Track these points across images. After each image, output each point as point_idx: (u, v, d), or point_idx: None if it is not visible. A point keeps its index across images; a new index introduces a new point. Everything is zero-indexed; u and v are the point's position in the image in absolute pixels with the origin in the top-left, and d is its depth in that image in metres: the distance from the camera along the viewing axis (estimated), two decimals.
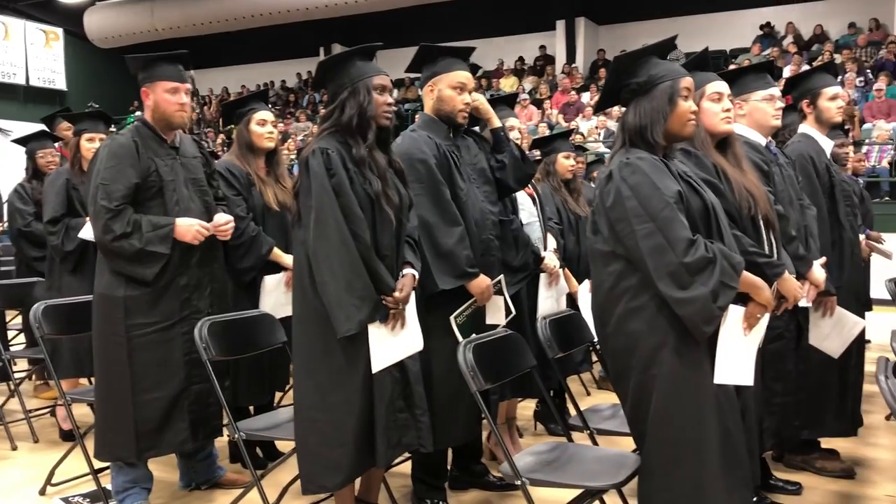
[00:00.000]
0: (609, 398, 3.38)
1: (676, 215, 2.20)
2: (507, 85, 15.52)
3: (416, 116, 3.23)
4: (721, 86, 2.77)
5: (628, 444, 2.50)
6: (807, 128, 3.56)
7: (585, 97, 14.10)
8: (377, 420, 2.57)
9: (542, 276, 3.67)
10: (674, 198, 2.22)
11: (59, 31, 19.05)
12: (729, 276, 2.20)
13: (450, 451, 3.30)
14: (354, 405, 2.55)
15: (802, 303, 2.98)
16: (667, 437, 2.25)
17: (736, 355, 2.30)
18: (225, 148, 13.05)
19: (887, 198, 10.61)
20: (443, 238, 2.94)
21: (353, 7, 16.39)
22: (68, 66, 19.11)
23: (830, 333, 3.30)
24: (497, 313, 3.14)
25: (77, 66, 19.24)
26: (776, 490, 3.32)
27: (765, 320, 2.38)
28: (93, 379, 3.36)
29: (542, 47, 16.57)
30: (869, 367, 3.22)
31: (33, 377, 5.21)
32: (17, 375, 4.65)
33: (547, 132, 11.12)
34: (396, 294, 2.56)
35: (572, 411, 3.01)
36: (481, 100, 3.23)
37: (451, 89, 3.07)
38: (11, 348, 5.14)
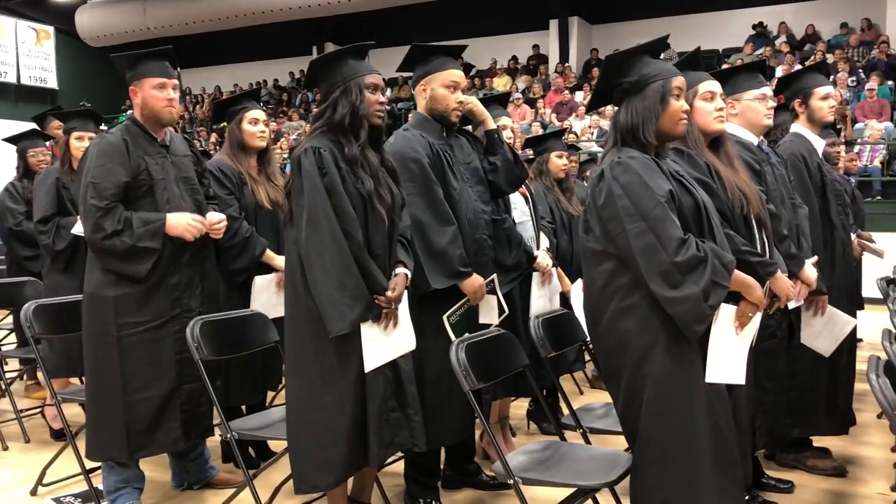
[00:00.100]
0: (602, 397, 3.38)
1: (668, 214, 2.20)
2: (501, 84, 15.53)
3: (409, 115, 3.23)
4: (714, 85, 2.77)
5: (621, 442, 2.50)
6: (799, 127, 3.57)
7: (579, 96, 14.11)
8: (370, 419, 2.57)
9: (535, 276, 3.67)
10: (665, 197, 2.22)
11: (51, 29, 18.97)
12: (720, 275, 2.21)
13: (443, 451, 3.30)
14: (347, 405, 2.55)
15: (792, 304, 2.99)
16: (658, 435, 2.25)
17: (727, 354, 2.30)
18: (217, 147, 13.01)
19: (879, 197, 10.67)
20: (435, 237, 2.94)
21: (346, 6, 16.37)
22: (59, 65, 19.03)
23: (822, 332, 3.32)
24: (490, 313, 3.14)
25: (68, 65, 19.17)
26: (768, 488, 3.33)
27: (757, 319, 2.39)
28: (84, 378, 3.35)
29: (536, 46, 16.58)
30: (861, 365, 3.23)
31: (24, 377, 5.18)
32: (8, 375, 4.64)
33: (540, 131, 11.13)
34: (389, 293, 2.56)
35: (565, 410, 3.02)
36: (475, 102, 3.23)
37: (445, 88, 3.07)
38: (2, 348, 5.12)
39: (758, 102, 3.09)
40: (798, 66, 11.26)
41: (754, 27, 14.49)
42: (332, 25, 17.70)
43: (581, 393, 5.10)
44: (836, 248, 3.52)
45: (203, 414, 3.12)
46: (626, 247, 2.24)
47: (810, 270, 3.05)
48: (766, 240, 2.77)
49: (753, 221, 2.72)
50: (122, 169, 2.93)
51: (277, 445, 3.21)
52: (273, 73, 19.15)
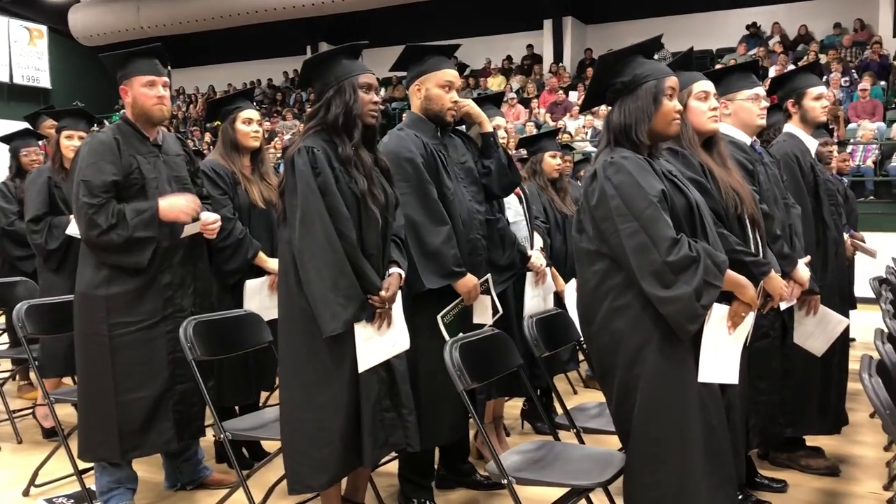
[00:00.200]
0: (596, 397, 3.38)
1: (660, 214, 2.21)
2: (495, 84, 15.53)
3: (404, 115, 3.23)
4: (707, 85, 2.78)
5: (615, 442, 2.51)
6: (792, 127, 3.58)
7: (573, 96, 14.13)
8: (364, 419, 2.57)
9: (529, 275, 3.67)
10: (657, 197, 2.23)
11: (44, 28, 18.92)
12: (713, 274, 2.21)
13: (437, 450, 3.30)
14: (341, 405, 2.54)
15: (784, 304, 3.00)
16: (651, 435, 2.25)
17: (720, 354, 2.31)
18: (210, 147, 12.99)
19: (872, 197, 10.70)
20: (429, 237, 2.94)
21: (340, 6, 16.36)
22: (52, 65, 18.98)
23: (814, 332, 3.32)
24: (484, 313, 3.15)
25: (61, 64, 19.11)
26: (762, 487, 3.34)
27: (750, 319, 2.39)
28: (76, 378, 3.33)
29: (530, 46, 16.60)
30: (853, 365, 3.24)
31: (17, 377, 5.16)
32: (0, 375, 4.61)
33: (534, 131, 11.14)
34: (382, 293, 2.56)
35: (559, 410, 3.02)
36: (471, 104, 3.23)
37: (439, 88, 3.07)
38: None
39: (751, 102, 3.09)
40: (791, 67, 11.29)
41: (748, 27, 14.53)
42: (326, 25, 17.68)
43: (575, 392, 5.10)
44: (828, 247, 3.53)
45: (196, 414, 3.11)
46: (618, 246, 2.24)
47: (803, 270, 3.06)
48: (759, 239, 2.77)
49: (747, 221, 2.72)
50: (112, 167, 2.91)
51: (271, 446, 3.20)
52: (267, 72, 19.12)
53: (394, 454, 2.95)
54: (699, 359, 2.29)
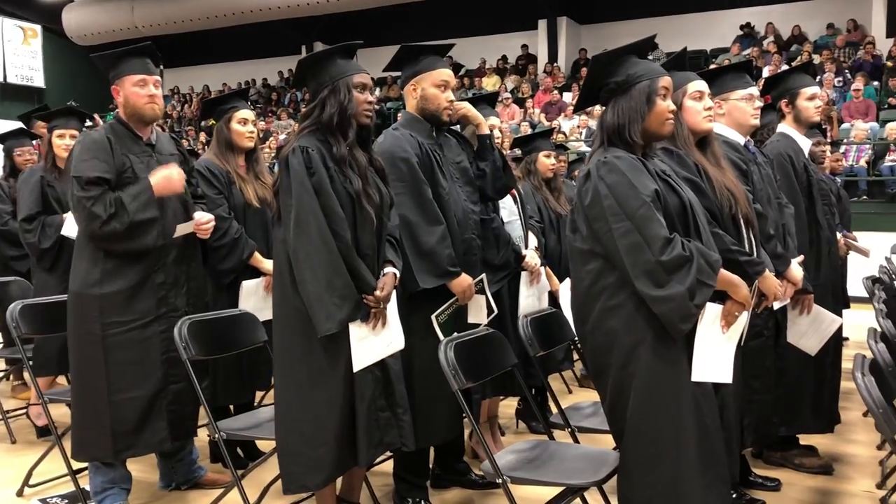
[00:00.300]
0: (590, 396, 3.39)
1: (653, 214, 2.21)
2: (490, 84, 15.55)
3: (399, 115, 3.22)
4: (702, 85, 2.79)
5: (609, 441, 2.51)
6: (785, 127, 3.59)
7: (567, 96, 14.14)
8: (359, 419, 2.57)
9: (524, 275, 3.68)
10: (651, 196, 2.23)
11: (38, 28, 18.85)
12: (706, 274, 2.22)
13: (432, 450, 3.30)
14: (336, 404, 2.54)
15: (777, 304, 3.01)
16: (645, 434, 2.26)
17: (713, 353, 2.32)
18: (205, 146, 12.97)
19: (865, 197, 10.74)
20: (424, 237, 2.94)
21: (336, 5, 16.34)
22: (46, 64, 18.91)
23: (808, 331, 3.34)
24: (479, 312, 3.15)
25: (55, 64, 19.04)
26: (755, 486, 3.35)
27: (743, 318, 2.40)
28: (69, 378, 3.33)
29: (525, 46, 16.61)
30: (846, 364, 3.25)
31: (11, 377, 5.15)
32: None
33: (529, 131, 11.15)
34: (377, 293, 2.56)
35: (554, 409, 3.02)
36: (468, 107, 3.23)
37: (435, 87, 3.07)
38: None
39: (745, 102, 3.10)
40: (785, 67, 11.33)
41: (742, 27, 14.57)
42: (322, 25, 17.66)
43: (570, 392, 5.11)
44: (822, 247, 3.55)
45: (189, 414, 3.10)
46: (612, 246, 2.25)
47: (796, 270, 3.07)
48: (753, 239, 2.78)
49: (741, 221, 2.73)
50: (105, 165, 2.90)
51: (266, 445, 3.20)
52: (262, 72, 19.10)
53: (389, 454, 2.95)
54: (692, 358, 2.30)
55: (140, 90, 2.97)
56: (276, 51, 18.47)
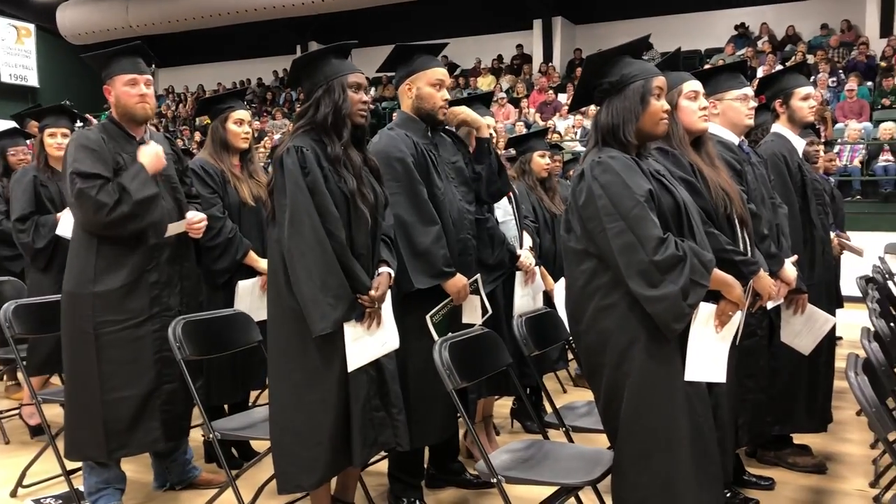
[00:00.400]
0: (585, 395, 3.39)
1: (647, 214, 2.22)
2: (485, 83, 15.54)
3: (394, 115, 3.22)
4: (697, 85, 2.80)
5: (604, 441, 2.52)
6: (779, 127, 3.60)
7: (562, 96, 14.15)
8: (353, 419, 2.57)
9: (518, 275, 3.68)
10: (644, 196, 2.24)
11: (31, 27, 18.79)
12: (699, 273, 2.22)
13: (426, 450, 3.30)
14: (330, 404, 2.54)
15: (771, 303, 3.01)
16: (638, 433, 2.27)
17: (707, 353, 2.32)
18: (199, 146, 12.94)
19: (859, 197, 10.77)
20: (419, 237, 2.94)
21: (331, 5, 16.33)
22: (40, 63, 18.86)
23: (801, 331, 3.35)
24: (473, 313, 3.15)
25: (50, 63, 18.99)
26: (749, 485, 3.36)
27: (737, 318, 2.40)
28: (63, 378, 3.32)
29: (520, 46, 16.62)
30: (840, 363, 3.26)
31: (4, 378, 5.13)
32: None
33: (524, 131, 11.15)
34: (372, 293, 2.56)
35: (548, 409, 3.03)
36: (467, 112, 3.23)
37: (430, 86, 3.07)
38: None
39: (739, 102, 3.11)
40: (779, 67, 11.35)
41: (736, 28, 14.60)
42: (316, 24, 17.65)
43: (564, 391, 5.12)
44: (815, 247, 3.56)
45: (183, 414, 3.09)
46: (605, 246, 2.25)
47: (790, 269, 3.08)
48: (747, 239, 2.79)
49: (736, 221, 2.74)
50: (101, 163, 2.90)
51: (260, 445, 3.20)
52: (257, 71, 19.07)
53: (383, 453, 2.95)
54: (686, 358, 2.30)
55: (131, 90, 2.97)
56: (270, 50, 18.45)
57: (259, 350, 3.18)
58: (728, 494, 3.10)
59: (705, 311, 2.31)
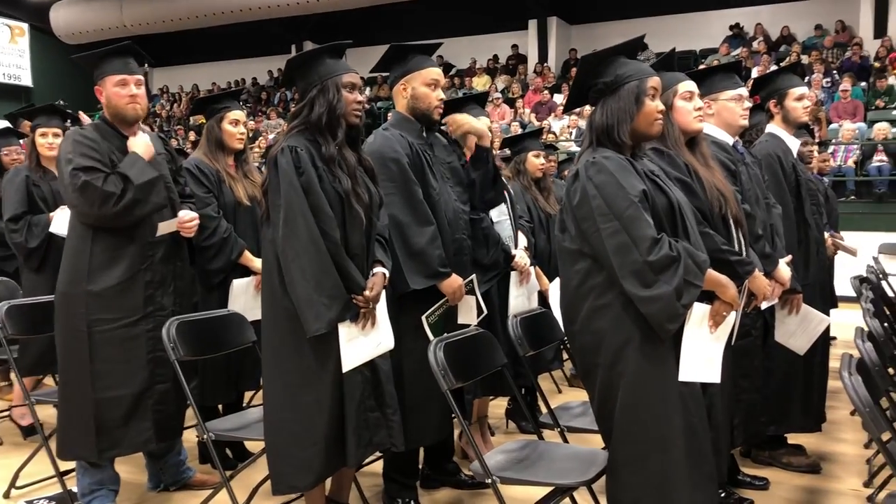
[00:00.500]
0: (580, 396, 3.40)
1: (641, 214, 2.22)
2: (480, 84, 15.55)
3: (389, 115, 3.20)
4: (692, 85, 2.80)
5: (598, 441, 2.52)
6: (774, 127, 3.60)
7: (557, 96, 14.16)
8: (348, 419, 2.56)
9: (513, 275, 3.68)
10: (638, 197, 2.24)
11: (25, 26, 18.74)
12: (693, 274, 2.22)
13: (421, 450, 3.30)
14: (325, 405, 2.54)
15: (765, 304, 3.02)
16: (632, 433, 2.27)
17: (701, 353, 2.32)
18: (194, 146, 12.91)
19: (853, 197, 10.80)
20: (414, 238, 2.94)
21: (326, 4, 16.31)
22: (34, 63, 18.80)
23: (796, 331, 3.35)
24: (469, 313, 3.15)
25: (43, 63, 18.93)
26: (744, 485, 3.37)
27: (732, 318, 2.41)
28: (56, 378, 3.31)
29: (515, 46, 16.62)
30: (834, 363, 3.27)
31: None
32: None
33: (519, 131, 11.16)
34: (367, 293, 2.55)
35: (543, 409, 3.02)
36: (469, 122, 3.23)
37: (426, 86, 3.06)
38: None
39: (734, 103, 3.11)
40: (774, 67, 11.38)
41: (731, 28, 14.63)
42: (311, 24, 17.63)
43: (559, 391, 5.12)
44: (810, 247, 3.57)
45: (175, 414, 3.08)
46: (599, 246, 2.25)
47: (784, 270, 3.09)
48: (742, 239, 2.80)
49: (731, 221, 2.74)
50: (97, 161, 2.89)
51: (255, 446, 3.19)
52: (252, 71, 19.04)
53: (378, 454, 2.94)
54: (680, 358, 2.31)
55: (121, 90, 2.96)
56: (265, 50, 18.42)
57: (253, 350, 3.17)
58: (722, 494, 3.11)
59: (699, 312, 2.31)
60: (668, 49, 3.08)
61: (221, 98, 3.73)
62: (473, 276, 3.15)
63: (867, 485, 3.47)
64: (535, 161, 4.37)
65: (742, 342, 3.12)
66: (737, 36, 14.53)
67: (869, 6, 13.47)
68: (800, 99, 3.53)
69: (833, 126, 11.45)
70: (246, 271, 3.53)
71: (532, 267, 3.85)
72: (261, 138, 14.58)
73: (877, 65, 12.52)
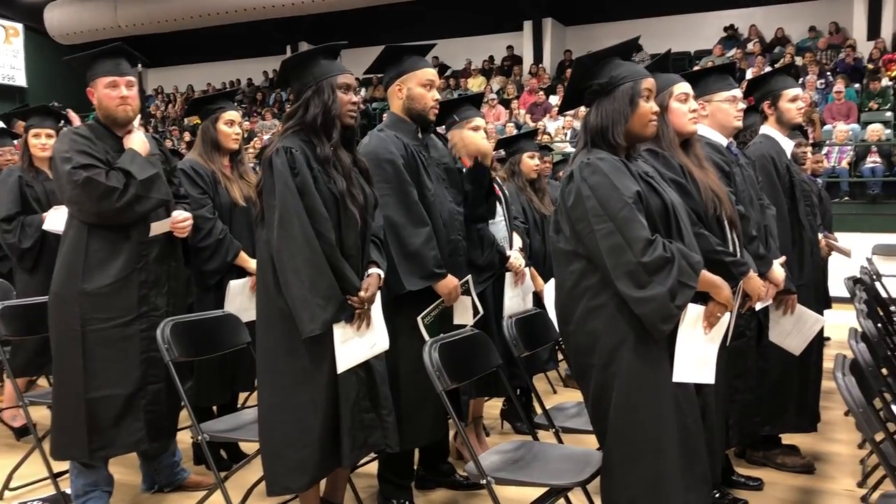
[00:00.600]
0: (575, 396, 3.40)
1: (635, 215, 2.22)
2: (475, 84, 15.54)
3: (384, 116, 3.22)
4: (687, 87, 2.81)
5: (593, 442, 2.52)
6: (768, 129, 3.61)
7: (553, 98, 14.17)
8: (342, 420, 2.56)
9: (508, 276, 3.68)
10: (632, 198, 2.24)
11: (19, 26, 18.67)
12: (687, 275, 2.23)
13: (416, 451, 3.30)
14: (319, 406, 2.53)
15: (759, 305, 3.03)
16: (626, 434, 2.27)
17: (695, 354, 2.32)
18: (189, 146, 12.88)
19: (847, 198, 10.83)
20: (410, 239, 2.94)
21: (321, 5, 16.30)
22: (28, 63, 18.72)
23: (791, 331, 3.36)
24: (465, 314, 3.15)
25: (38, 63, 18.85)
26: (738, 486, 3.37)
27: (726, 319, 2.41)
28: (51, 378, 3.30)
29: (510, 47, 16.63)
30: (828, 363, 3.28)
31: None
32: None
33: (515, 132, 11.16)
34: (362, 294, 2.55)
35: (538, 410, 3.03)
36: (477, 141, 3.23)
37: (421, 87, 3.07)
38: None
39: (728, 104, 3.12)
40: (768, 69, 11.40)
41: (725, 30, 14.66)
42: (307, 25, 17.61)
43: (554, 392, 5.12)
44: (804, 247, 3.57)
45: (167, 415, 3.07)
46: (594, 247, 2.26)
47: (778, 270, 3.10)
48: (736, 240, 2.80)
49: (726, 222, 2.75)
50: (96, 155, 2.89)
51: (249, 447, 3.18)
52: (247, 72, 19.00)
53: (373, 455, 2.94)
54: (674, 358, 2.31)
55: (111, 92, 2.95)
56: (260, 51, 18.38)
57: (248, 351, 3.17)
58: (717, 495, 3.11)
59: (694, 313, 2.31)
60: (662, 50, 3.09)
61: (216, 98, 3.72)
62: (469, 277, 3.15)
63: (861, 485, 3.48)
64: (530, 162, 4.37)
65: (736, 343, 3.13)
66: (731, 37, 14.57)
67: (862, 8, 13.52)
68: (794, 100, 3.54)
69: (827, 127, 11.48)
70: (242, 272, 3.53)
71: (527, 268, 3.86)
72: (255, 139, 14.55)
73: (870, 66, 12.56)
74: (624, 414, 2.26)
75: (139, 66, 3.04)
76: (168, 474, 3.38)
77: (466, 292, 3.14)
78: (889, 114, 11.70)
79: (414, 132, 3.11)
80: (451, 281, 3.01)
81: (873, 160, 10.88)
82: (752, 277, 2.75)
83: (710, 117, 3.13)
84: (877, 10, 13.36)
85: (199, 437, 2.80)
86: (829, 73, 12.60)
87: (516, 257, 3.71)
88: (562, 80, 14.71)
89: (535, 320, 3.14)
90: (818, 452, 3.90)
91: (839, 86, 11.83)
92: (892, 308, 4.76)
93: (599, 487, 2.37)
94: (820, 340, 3.62)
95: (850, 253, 5.30)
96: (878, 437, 2.27)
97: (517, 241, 3.88)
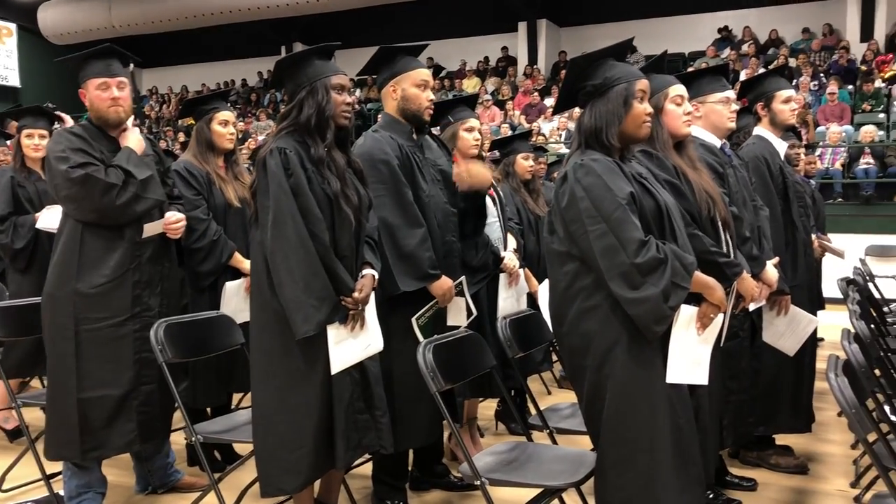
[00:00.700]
0: (569, 397, 3.40)
1: (628, 216, 2.23)
2: (470, 85, 15.55)
3: (379, 116, 3.21)
4: (682, 89, 2.82)
5: (587, 442, 2.52)
6: (761, 130, 3.62)
7: (547, 99, 14.18)
8: (336, 421, 2.56)
9: (503, 277, 3.68)
10: (626, 199, 2.25)
11: (13, 26, 18.60)
12: (680, 276, 2.23)
13: (410, 452, 3.30)
14: (313, 407, 2.53)
15: (752, 305, 3.04)
16: (620, 435, 2.27)
17: (688, 355, 2.33)
18: (183, 147, 12.84)
19: (840, 199, 10.87)
20: (405, 239, 2.94)
21: (315, 6, 16.28)
22: (22, 63, 18.67)
23: (785, 332, 3.37)
24: (459, 315, 3.15)
25: (32, 63, 18.79)
26: (732, 486, 3.38)
27: (720, 320, 2.41)
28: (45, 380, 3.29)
29: (505, 48, 16.64)
30: (821, 364, 3.29)
31: None
32: None
33: (509, 133, 11.16)
34: (356, 294, 2.55)
35: (533, 410, 3.03)
36: (483, 172, 3.25)
37: (416, 87, 3.06)
38: None
39: (721, 105, 3.13)
40: (761, 70, 11.43)
41: (719, 31, 14.70)
42: (301, 25, 17.59)
43: (549, 393, 5.12)
44: (797, 248, 3.59)
45: (160, 416, 3.06)
46: (587, 248, 2.26)
47: (771, 271, 3.11)
48: (730, 241, 2.81)
49: (720, 223, 2.75)
50: (92, 154, 2.88)
51: (243, 448, 3.18)
52: (241, 72, 18.98)
53: (367, 456, 2.94)
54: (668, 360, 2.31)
55: (102, 93, 2.94)
56: (255, 51, 18.36)
57: (242, 353, 3.16)
58: (711, 495, 3.12)
59: (687, 314, 2.32)
60: (656, 51, 3.10)
61: (210, 99, 3.71)
62: (463, 278, 3.15)
63: (854, 485, 3.49)
64: (525, 163, 4.37)
65: (730, 343, 3.14)
66: (725, 39, 14.60)
67: (856, 10, 13.57)
68: (787, 102, 3.55)
69: (820, 129, 11.52)
70: (237, 273, 3.52)
71: (521, 269, 3.86)
72: (250, 140, 14.52)
73: (863, 68, 12.61)
74: (617, 415, 2.27)
75: (131, 65, 3.02)
76: (162, 475, 3.37)
77: (461, 293, 3.14)
78: (882, 115, 11.75)
79: (408, 133, 3.11)
80: (445, 282, 3.01)
81: (866, 161, 10.92)
82: (746, 278, 2.76)
83: (704, 118, 3.14)
84: (870, 11, 13.41)
85: (193, 439, 2.80)
86: (822, 75, 12.64)
87: (510, 258, 3.71)
88: (556, 81, 14.71)
89: (529, 321, 3.14)
90: (811, 453, 3.91)
91: (832, 87, 11.87)
92: (885, 309, 4.78)
93: (593, 488, 2.38)
94: (813, 341, 3.63)
95: (844, 254, 5.32)
96: (871, 437, 2.27)
97: (511, 242, 3.88)
